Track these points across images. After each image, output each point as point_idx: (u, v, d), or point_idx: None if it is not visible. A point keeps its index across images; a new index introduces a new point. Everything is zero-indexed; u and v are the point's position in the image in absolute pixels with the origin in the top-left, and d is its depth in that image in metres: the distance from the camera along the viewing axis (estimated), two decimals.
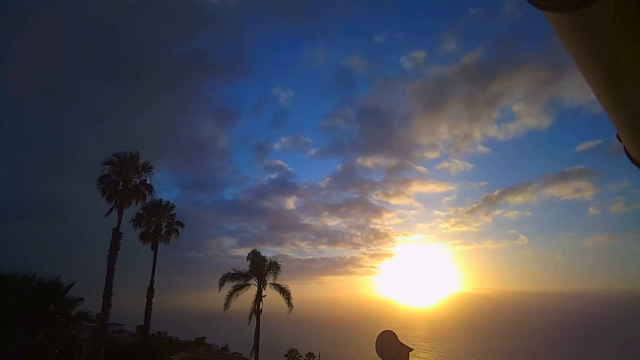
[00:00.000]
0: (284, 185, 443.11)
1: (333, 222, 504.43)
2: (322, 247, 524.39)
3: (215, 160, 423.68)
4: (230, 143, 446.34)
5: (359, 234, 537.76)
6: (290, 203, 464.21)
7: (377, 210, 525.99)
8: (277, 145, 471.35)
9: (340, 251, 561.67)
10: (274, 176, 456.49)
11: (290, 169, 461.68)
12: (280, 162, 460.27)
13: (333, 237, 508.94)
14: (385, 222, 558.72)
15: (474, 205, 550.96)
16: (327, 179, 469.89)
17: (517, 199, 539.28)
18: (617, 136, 1.82)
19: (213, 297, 27.05)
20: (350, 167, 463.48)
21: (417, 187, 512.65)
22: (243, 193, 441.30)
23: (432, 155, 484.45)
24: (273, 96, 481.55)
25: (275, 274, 26.24)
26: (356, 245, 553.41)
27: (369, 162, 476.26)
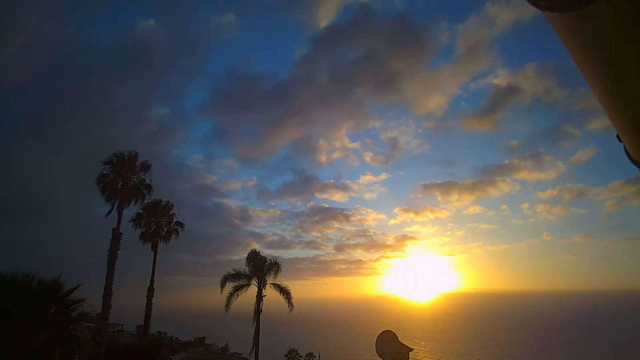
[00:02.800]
0: (305, 187, 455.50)
1: (347, 225, 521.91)
2: (339, 249, 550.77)
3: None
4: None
5: (372, 236, 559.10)
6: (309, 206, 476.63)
7: (386, 213, 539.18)
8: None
9: (360, 253, 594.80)
10: (292, 178, 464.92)
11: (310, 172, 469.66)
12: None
13: (345, 240, 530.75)
14: (395, 224, 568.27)
15: (477, 207, 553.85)
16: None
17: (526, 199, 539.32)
18: (617, 136, 1.83)
19: (214, 296, 27.25)
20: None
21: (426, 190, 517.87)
22: (264, 195, 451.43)
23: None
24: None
25: (276, 273, 26.31)
26: (367, 247, 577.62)
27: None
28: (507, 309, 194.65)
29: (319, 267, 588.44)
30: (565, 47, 1.38)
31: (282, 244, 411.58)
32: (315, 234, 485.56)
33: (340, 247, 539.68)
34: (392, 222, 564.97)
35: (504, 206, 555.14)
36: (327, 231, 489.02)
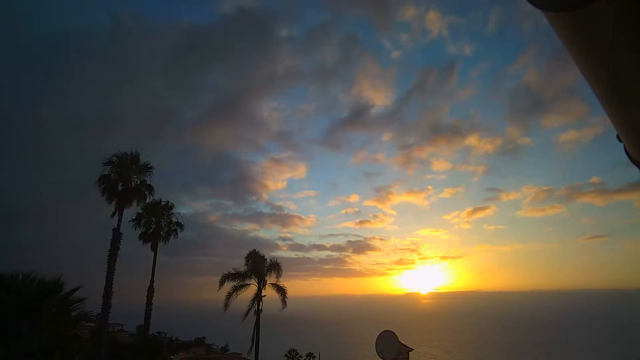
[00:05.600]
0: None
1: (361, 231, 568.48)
2: (357, 251, 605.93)
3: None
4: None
5: (386, 240, 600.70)
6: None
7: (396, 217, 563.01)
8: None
9: (376, 255, 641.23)
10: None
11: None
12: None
13: (362, 243, 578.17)
14: (404, 229, 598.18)
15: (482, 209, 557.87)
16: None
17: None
18: (617, 136, 1.83)
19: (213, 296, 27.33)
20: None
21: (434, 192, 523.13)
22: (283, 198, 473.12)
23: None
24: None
25: (278, 273, 26.33)
26: (382, 250, 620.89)
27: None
28: (511, 309, 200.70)
29: (337, 268, 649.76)
30: (565, 47, 1.38)
31: (302, 248, 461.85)
32: (332, 237, 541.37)
33: (357, 249, 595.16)
34: (403, 227, 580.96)
35: (513, 207, 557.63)
36: (345, 235, 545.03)
